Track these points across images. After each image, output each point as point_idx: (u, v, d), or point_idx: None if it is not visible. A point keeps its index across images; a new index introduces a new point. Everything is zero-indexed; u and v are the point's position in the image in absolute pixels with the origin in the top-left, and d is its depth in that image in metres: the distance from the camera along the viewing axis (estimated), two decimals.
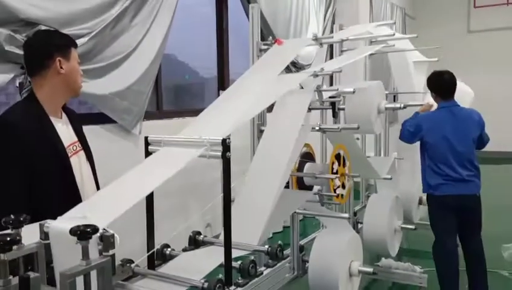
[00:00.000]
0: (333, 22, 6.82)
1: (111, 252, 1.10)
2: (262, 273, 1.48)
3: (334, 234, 2.65)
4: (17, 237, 0.95)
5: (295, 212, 2.81)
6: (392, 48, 3.65)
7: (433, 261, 3.45)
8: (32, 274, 0.88)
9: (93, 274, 1.04)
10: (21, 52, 2.62)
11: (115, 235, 1.12)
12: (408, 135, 3.42)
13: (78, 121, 2.09)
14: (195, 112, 1.89)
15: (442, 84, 3.39)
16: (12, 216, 1.09)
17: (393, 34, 3.31)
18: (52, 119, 1.90)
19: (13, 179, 1.77)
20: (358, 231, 3.50)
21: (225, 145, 1.41)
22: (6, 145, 1.77)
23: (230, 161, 1.44)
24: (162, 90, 4.27)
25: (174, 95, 5.34)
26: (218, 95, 3.88)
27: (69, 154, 1.92)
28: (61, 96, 1.96)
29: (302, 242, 3.14)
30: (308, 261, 2.69)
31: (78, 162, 1.97)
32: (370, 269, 2.63)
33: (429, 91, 3.58)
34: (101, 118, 3.46)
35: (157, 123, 3.98)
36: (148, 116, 3.87)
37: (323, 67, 2.26)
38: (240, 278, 1.43)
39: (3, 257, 0.88)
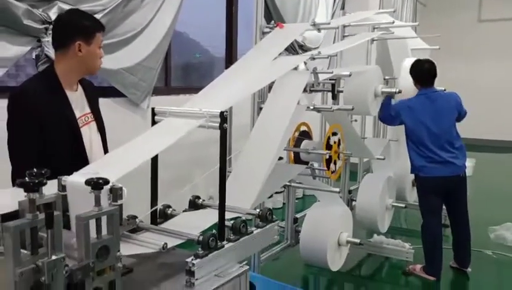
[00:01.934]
0: (343, 7, 6.86)
1: (119, 202, 1.29)
2: (252, 232, 1.65)
3: (326, 207, 2.83)
4: (44, 181, 1.14)
5: (290, 185, 2.99)
6: (392, 35, 3.77)
7: None
8: (55, 212, 1.07)
9: (104, 222, 1.22)
10: (38, 26, 2.80)
11: (123, 188, 1.29)
12: (389, 118, 3.56)
13: (95, 94, 2.21)
14: (202, 89, 1.99)
15: (422, 72, 3.50)
16: (35, 169, 1.27)
17: (393, 22, 3.43)
18: (67, 91, 2.03)
19: (27, 143, 1.93)
20: (352, 208, 3.69)
21: (222, 117, 1.56)
22: (22, 112, 1.93)
23: (226, 131, 1.59)
24: (171, 67, 4.43)
25: (184, 72, 5.49)
26: None
27: (80, 125, 2.06)
28: (75, 74, 2.08)
29: (298, 216, 3.34)
30: (300, 232, 2.89)
31: (88, 133, 2.10)
32: (357, 240, 2.82)
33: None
34: (111, 92, 3.62)
35: (165, 98, 4.12)
36: (157, 91, 4.02)
37: (320, 50, 2.41)
38: (231, 235, 1.60)
39: (32, 196, 1.07)
